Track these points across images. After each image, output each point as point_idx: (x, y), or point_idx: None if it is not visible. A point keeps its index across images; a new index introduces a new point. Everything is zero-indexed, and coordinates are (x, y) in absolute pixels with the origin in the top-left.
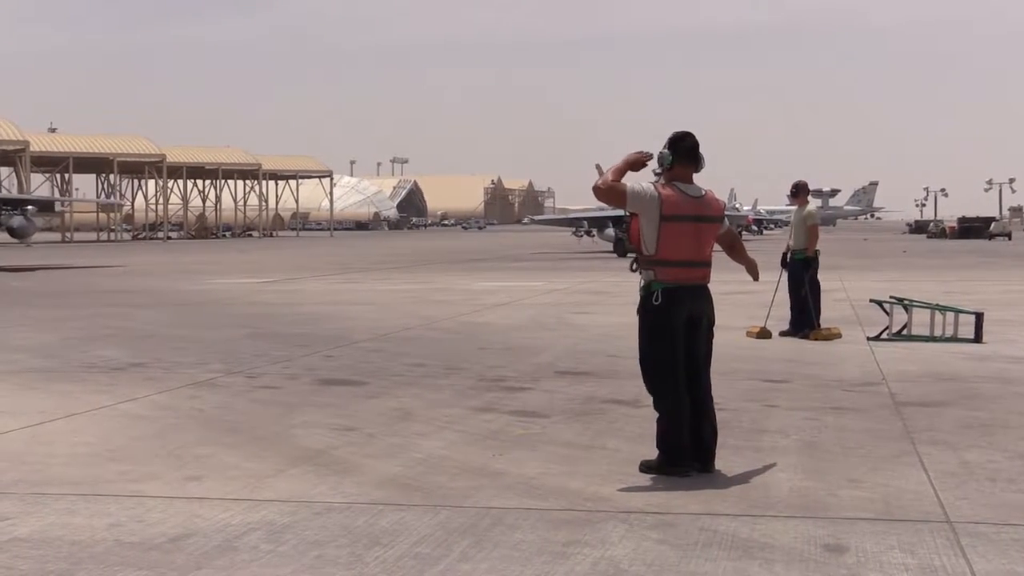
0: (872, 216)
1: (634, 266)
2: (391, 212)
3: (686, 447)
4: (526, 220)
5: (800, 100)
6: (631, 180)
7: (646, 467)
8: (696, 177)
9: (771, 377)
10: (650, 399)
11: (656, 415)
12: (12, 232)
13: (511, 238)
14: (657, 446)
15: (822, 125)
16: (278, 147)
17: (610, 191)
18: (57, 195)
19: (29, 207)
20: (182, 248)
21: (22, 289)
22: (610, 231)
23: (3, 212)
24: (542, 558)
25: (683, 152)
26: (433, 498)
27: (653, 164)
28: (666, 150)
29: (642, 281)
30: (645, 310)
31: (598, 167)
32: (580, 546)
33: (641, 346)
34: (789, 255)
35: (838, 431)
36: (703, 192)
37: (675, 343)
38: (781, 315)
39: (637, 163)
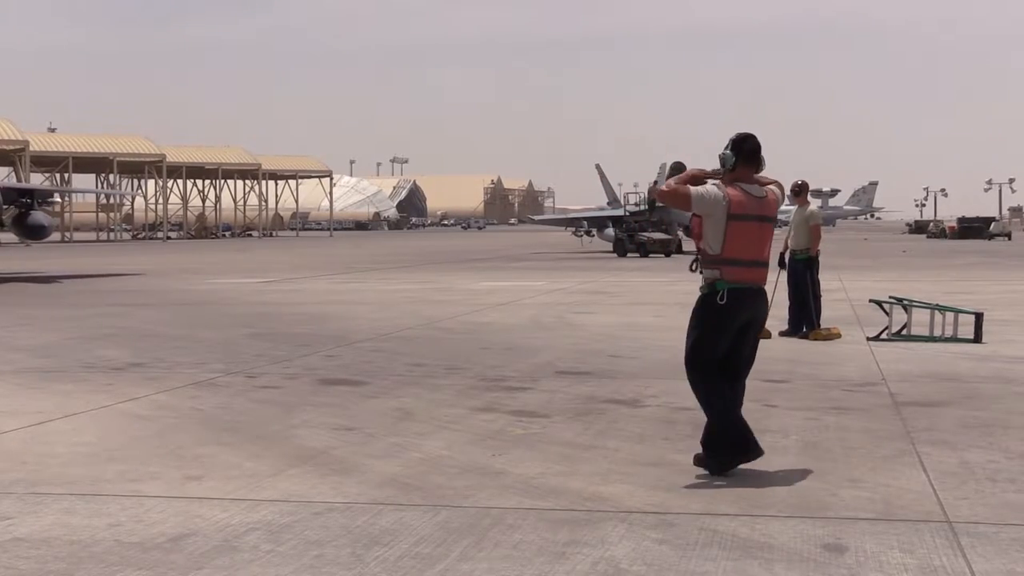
0: (872, 216)
1: (694, 266)
2: (391, 212)
3: (738, 443)
4: (512, 221)
5: (800, 100)
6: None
7: (701, 462)
8: None
9: (771, 377)
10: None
11: (695, 409)
12: (30, 231)
13: (511, 238)
14: (704, 443)
15: (822, 125)
16: (278, 147)
17: (674, 194)
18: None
19: (56, 199)
20: (182, 248)
21: (22, 289)
22: (610, 231)
23: (16, 205)
24: (542, 558)
25: (746, 153)
26: (433, 498)
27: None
28: (728, 151)
29: (704, 280)
30: (707, 308)
31: (598, 168)
32: (580, 546)
33: (694, 343)
34: (789, 255)
35: (838, 431)
36: (765, 192)
37: (725, 343)
38: (780, 315)
39: (697, 180)
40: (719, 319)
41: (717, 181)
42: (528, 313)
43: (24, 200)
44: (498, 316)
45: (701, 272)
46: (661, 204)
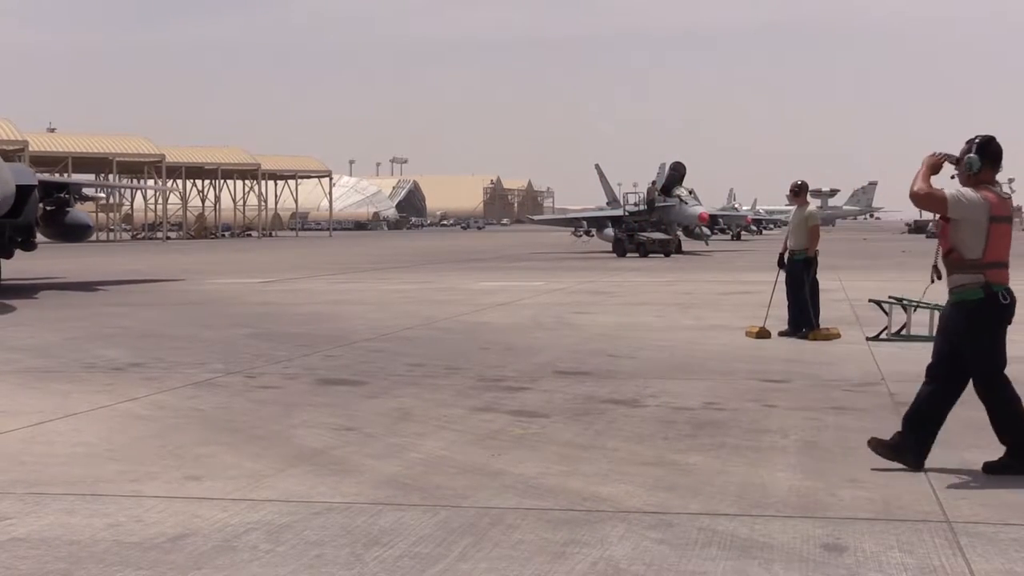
0: (871, 216)
1: (935, 278)
2: (390, 212)
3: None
4: (505, 221)
5: (799, 100)
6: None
7: (885, 450)
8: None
9: (771, 377)
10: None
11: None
12: (69, 231)
13: (510, 238)
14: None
15: (822, 125)
16: (278, 147)
17: (930, 197)
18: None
19: (100, 194)
20: (181, 248)
21: (30, 291)
22: (609, 231)
23: (47, 202)
24: (541, 558)
25: (991, 155)
26: (432, 498)
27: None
28: (974, 155)
29: (963, 286)
30: (991, 313)
31: (598, 168)
32: (579, 546)
33: (989, 354)
34: (788, 255)
35: (837, 431)
36: (1009, 193)
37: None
38: (779, 315)
39: (937, 166)
40: (1002, 320)
41: (968, 188)
42: (527, 313)
43: (60, 196)
44: (498, 316)
45: (936, 278)
46: (920, 208)
